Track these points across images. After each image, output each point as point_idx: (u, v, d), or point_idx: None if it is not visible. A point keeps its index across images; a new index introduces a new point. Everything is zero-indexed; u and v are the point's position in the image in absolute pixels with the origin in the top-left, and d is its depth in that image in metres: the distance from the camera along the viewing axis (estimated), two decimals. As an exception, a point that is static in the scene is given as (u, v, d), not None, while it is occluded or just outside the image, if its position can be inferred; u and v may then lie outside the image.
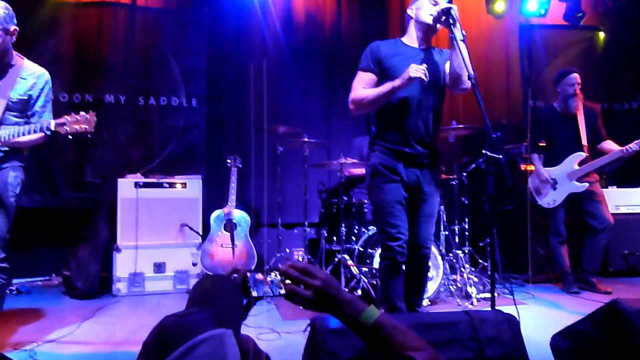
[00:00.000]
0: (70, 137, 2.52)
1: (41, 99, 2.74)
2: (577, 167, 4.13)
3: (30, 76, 2.72)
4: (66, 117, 2.51)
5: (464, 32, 2.49)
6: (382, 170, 2.73)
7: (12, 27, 2.61)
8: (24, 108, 2.71)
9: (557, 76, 4.32)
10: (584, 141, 4.16)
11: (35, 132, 2.53)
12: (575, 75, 4.19)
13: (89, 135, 2.53)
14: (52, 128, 2.50)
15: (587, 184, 4.09)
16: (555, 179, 4.20)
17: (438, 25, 2.63)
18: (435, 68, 2.72)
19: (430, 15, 2.62)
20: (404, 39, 2.82)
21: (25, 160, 2.77)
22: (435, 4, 2.65)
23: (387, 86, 2.60)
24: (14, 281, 4.27)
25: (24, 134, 2.54)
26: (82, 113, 2.51)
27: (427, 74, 2.49)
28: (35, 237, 4.49)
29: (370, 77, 2.76)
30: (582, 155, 4.14)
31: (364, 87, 2.75)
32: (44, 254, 4.67)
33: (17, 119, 2.70)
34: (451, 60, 2.62)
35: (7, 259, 2.61)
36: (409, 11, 2.80)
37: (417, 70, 2.46)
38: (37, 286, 4.51)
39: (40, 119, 2.71)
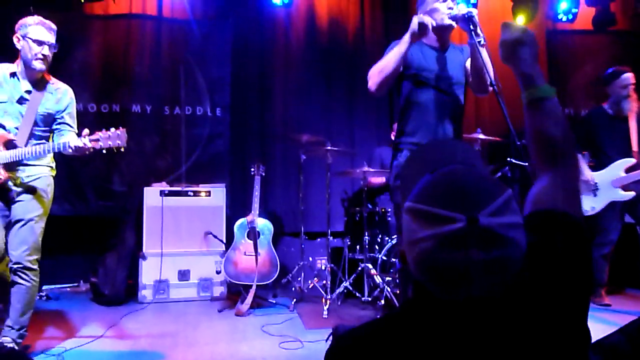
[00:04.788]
0: (104, 151, 2.65)
1: (65, 116, 2.86)
2: (623, 174, 3.82)
3: (57, 92, 2.84)
4: (99, 133, 2.63)
5: (483, 35, 2.41)
6: None
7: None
8: (48, 123, 2.82)
9: (606, 76, 4.02)
10: (635, 147, 3.85)
11: (55, 150, 2.65)
12: (629, 75, 3.92)
13: (122, 150, 2.67)
14: (73, 145, 2.60)
15: (633, 194, 3.79)
16: (597, 184, 3.87)
17: (454, 24, 2.53)
18: (455, 68, 2.66)
19: (447, 15, 2.53)
20: (424, 40, 2.70)
21: (55, 170, 2.90)
22: (444, 0, 2.57)
23: (397, 48, 2.51)
24: (44, 287, 4.36)
25: (47, 152, 2.67)
26: (112, 129, 2.64)
27: (433, 21, 2.44)
28: (64, 244, 4.57)
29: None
30: (631, 161, 3.82)
31: None
32: (72, 261, 4.76)
33: (43, 134, 2.82)
34: (472, 64, 2.57)
35: (38, 262, 2.72)
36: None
37: (424, 17, 2.41)
38: (66, 292, 4.61)
39: (62, 137, 2.81)
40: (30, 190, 2.71)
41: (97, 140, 2.62)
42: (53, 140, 2.83)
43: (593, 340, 1.58)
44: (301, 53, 5.47)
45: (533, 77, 1.17)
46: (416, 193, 0.86)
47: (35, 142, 2.76)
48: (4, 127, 2.68)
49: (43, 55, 2.69)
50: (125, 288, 4.24)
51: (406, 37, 2.46)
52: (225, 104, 5.23)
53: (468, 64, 2.66)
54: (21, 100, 2.73)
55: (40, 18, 2.73)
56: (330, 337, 1.56)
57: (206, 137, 5.16)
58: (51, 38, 2.72)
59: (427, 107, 2.61)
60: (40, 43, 2.67)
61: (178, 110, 5.14)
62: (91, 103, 4.96)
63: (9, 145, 2.64)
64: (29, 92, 2.74)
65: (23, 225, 2.67)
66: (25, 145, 2.68)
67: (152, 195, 4.39)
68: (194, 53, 5.17)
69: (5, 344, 2.60)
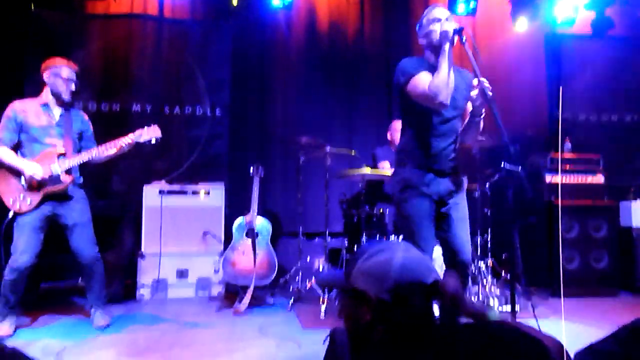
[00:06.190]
0: (147, 143, 3.41)
1: (90, 135, 3.57)
2: None
3: (79, 114, 3.55)
4: (138, 130, 3.40)
5: (475, 47, 2.44)
6: (415, 183, 2.59)
7: None
8: (80, 139, 3.51)
9: None
10: None
11: (106, 151, 3.37)
12: None
13: (159, 139, 3.43)
14: (124, 143, 3.36)
15: None
16: None
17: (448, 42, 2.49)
18: (457, 89, 2.60)
19: (445, 30, 2.49)
20: (430, 59, 2.66)
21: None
22: (438, 20, 2.55)
23: (445, 62, 2.45)
24: (42, 285, 4.37)
25: (100, 154, 3.37)
26: (146, 127, 3.43)
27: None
28: (63, 243, 4.59)
29: (430, 75, 2.54)
30: None
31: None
32: (71, 260, 4.75)
33: (78, 150, 3.43)
34: (474, 104, 2.57)
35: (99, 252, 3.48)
36: (421, 42, 2.69)
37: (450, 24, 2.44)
38: (64, 291, 4.61)
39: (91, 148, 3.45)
40: (80, 194, 3.46)
41: (140, 135, 3.39)
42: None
43: (585, 345, 1.61)
44: (301, 54, 5.49)
45: (482, 310, 1.41)
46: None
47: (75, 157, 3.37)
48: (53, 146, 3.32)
49: (71, 90, 3.42)
50: (124, 287, 4.26)
51: (447, 47, 2.45)
52: (225, 104, 5.26)
53: (474, 93, 2.57)
54: (59, 123, 3.37)
55: (66, 60, 3.43)
56: (328, 339, 1.58)
57: (205, 137, 5.19)
58: (75, 76, 3.44)
59: (428, 126, 2.61)
60: (70, 80, 3.39)
61: (178, 110, 5.17)
62: (91, 102, 4.98)
63: (61, 157, 3.29)
64: (61, 115, 3.40)
65: (83, 227, 3.39)
66: None
67: (151, 194, 4.41)
68: (194, 53, 5.20)
69: (6, 344, 2.63)
